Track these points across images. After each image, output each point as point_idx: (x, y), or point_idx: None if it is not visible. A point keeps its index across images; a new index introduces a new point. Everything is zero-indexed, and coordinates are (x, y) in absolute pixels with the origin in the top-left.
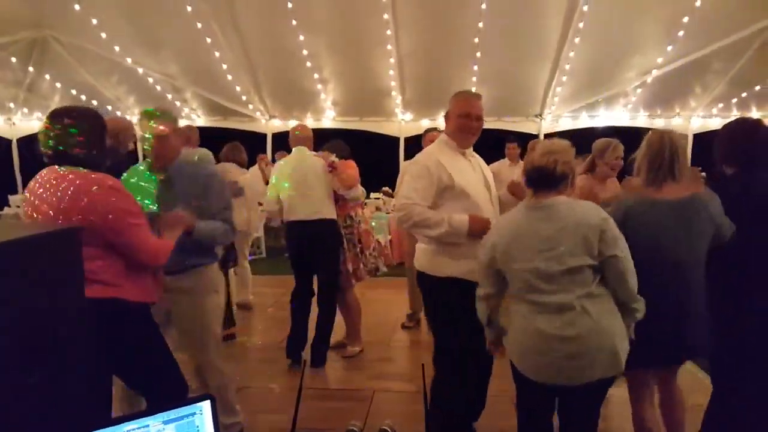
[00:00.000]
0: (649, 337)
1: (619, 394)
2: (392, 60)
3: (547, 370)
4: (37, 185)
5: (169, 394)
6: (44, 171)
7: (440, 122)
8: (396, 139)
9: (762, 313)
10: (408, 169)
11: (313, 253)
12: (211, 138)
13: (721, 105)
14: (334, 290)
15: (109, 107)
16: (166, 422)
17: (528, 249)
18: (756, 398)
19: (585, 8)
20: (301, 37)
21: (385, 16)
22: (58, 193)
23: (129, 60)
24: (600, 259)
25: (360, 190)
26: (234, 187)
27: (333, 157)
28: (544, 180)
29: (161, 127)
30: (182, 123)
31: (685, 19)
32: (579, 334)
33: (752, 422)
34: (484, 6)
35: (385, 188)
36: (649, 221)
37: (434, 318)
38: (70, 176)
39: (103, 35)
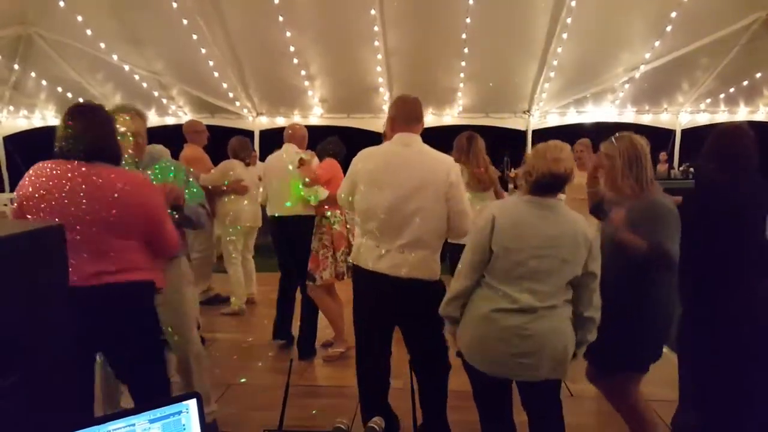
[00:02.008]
0: (657, 339)
1: None
2: (380, 56)
3: (497, 364)
4: (64, 182)
5: (158, 386)
6: (65, 167)
7: (429, 119)
8: (384, 136)
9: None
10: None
11: (284, 247)
12: None
13: (708, 100)
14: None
15: None
16: (152, 421)
17: (524, 241)
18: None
19: (572, 4)
20: (288, 34)
21: (372, 12)
22: (101, 191)
23: (115, 57)
24: (583, 271)
25: (318, 189)
26: (238, 185)
27: (303, 155)
28: (557, 186)
29: (135, 124)
30: (169, 120)
31: (673, 15)
32: (537, 333)
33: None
34: (471, 1)
35: None
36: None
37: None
38: (112, 174)
39: (89, 32)
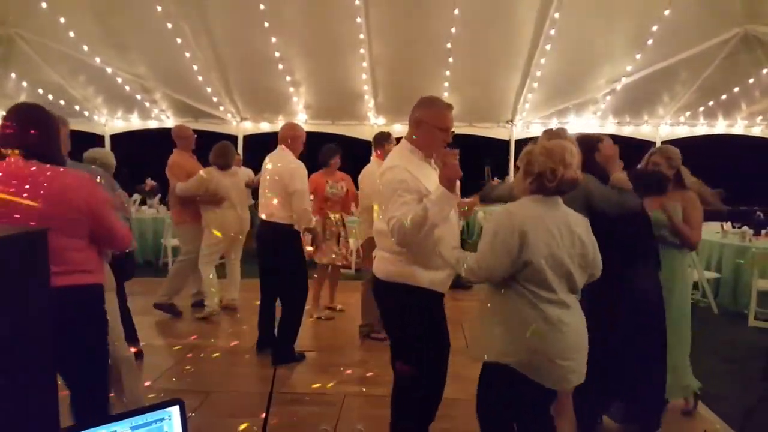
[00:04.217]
0: None
1: None
2: (365, 64)
3: (555, 373)
4: (7, 177)
5: (100, 397)
6: (7, 162)
7: None
8: (368, 143)
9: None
10: (386, 189)
11: (266, 255)
12: None
13: (688, 113)
14: (292, 293)
15: (77, 107)
16: (133, 428)
17: (557, 243)
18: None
19: (556, 15)
20: (273, 39)
21: (358, 20)
22: (43, 188)
23: (97, 59)
24: (593, 259)
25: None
26: (212, 197)
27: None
28: (571, 190)
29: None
30: (152, 124)
31: (654, 28)
32: (577, 332)
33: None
34: (456, 12)
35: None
36: None
37: (401, 328)
38: (49, 172)
39: (71, 34)
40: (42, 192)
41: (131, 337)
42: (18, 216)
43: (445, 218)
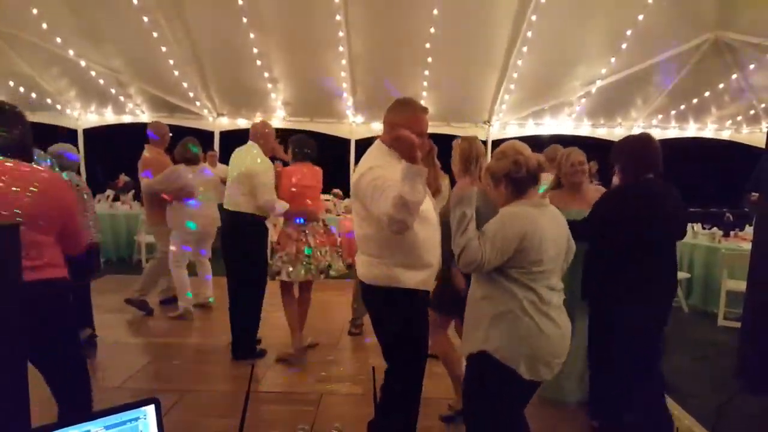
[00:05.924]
0: None
1: None
2: (344, 62)
3: (548, 368)
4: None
5: (82, 386)
6: None
7: None
8: (347, 141)
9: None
10: (368, 188)
11: (229, 245)
12: None
13: (660, 116)
14: (251, 283)
15: (49, 100)
16: (108, 427)
17: (549, 247)
18: None
19: (533, 18)
20: (252, 35)
21: (338, 17)
22: (31, 187)
23: (71, 52)
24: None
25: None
26: (185, 190)
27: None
28: (537, 180)
29: None
30: (126, 119)
31: (628, 32)
32: (568, 331)
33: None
34: (435, 12)
35: (336, 190)
36: None
37: (391, 331)
38: (36, 171)
39: (44, 25)
40: (30, 190)
41: (87, 321)
42: (5, 213)
43: (421, 192)
